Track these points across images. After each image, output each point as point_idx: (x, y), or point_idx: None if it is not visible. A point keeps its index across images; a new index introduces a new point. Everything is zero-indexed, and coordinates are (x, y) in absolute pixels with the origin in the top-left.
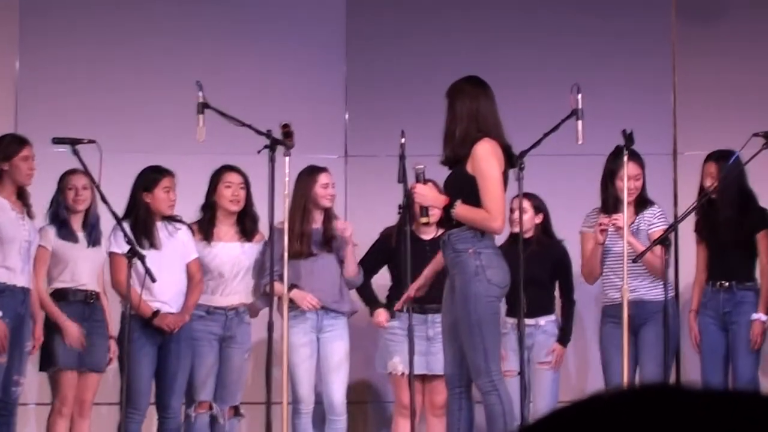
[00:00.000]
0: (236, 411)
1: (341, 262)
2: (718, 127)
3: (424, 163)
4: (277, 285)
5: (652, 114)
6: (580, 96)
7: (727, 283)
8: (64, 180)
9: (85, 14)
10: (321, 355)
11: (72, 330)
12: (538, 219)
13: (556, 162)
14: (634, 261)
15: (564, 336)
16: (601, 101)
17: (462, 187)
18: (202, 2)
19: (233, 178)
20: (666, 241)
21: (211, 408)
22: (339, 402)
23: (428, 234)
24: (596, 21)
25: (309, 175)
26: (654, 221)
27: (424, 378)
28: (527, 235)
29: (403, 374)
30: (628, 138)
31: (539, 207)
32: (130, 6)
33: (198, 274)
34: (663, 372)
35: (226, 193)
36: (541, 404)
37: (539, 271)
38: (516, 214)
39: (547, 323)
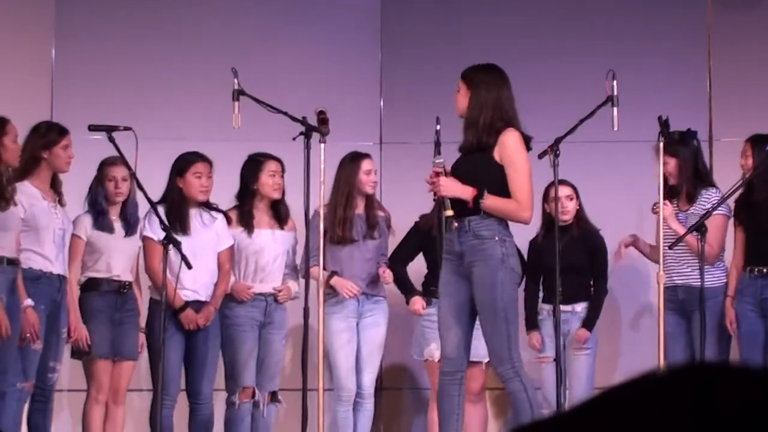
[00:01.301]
0: (273, 396)
1: (380, 249)
2: (754, 113)
3: (443, 158)
4: (314, 270)
5: (687, 100)
6: (615, 82)
7: (765, 269)
8: (103, 170)
9: (120, 1)
10: (358, 338)
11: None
12: (577, 205)
13: (592, 149)
14: (669, 248)
15: (589, 322)
16: (637, 88)
17: (486, 175)
18: None
19: (275, 166)
20: (703, 227)
21: (253, 395)
22: (368, 385)
23: None
24: (631, 7)
25: (352, 161)
26: (708, 207)
27: None
28: (569, 222)
29: (439, 360)
30: (664, 124)
31: (575, 193)
32: None
33: (227, 264)
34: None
35: (270, 182)
36: (577, 390)
37: (577, 258)
38: (552, 201)
39: (583, 310)
